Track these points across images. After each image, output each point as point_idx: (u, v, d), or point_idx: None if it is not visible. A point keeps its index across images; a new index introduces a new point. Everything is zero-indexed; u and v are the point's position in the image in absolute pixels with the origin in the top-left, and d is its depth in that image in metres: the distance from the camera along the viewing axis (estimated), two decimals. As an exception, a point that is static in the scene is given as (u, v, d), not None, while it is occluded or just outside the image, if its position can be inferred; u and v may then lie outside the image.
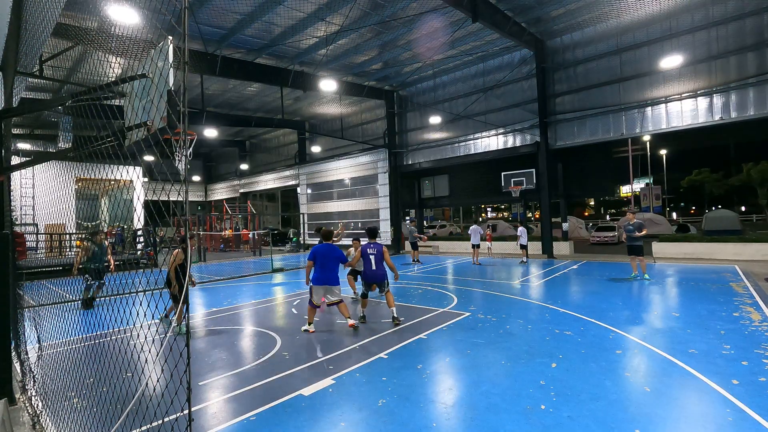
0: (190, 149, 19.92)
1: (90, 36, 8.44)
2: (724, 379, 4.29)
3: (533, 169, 17.98)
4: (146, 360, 2.71)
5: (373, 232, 7.58)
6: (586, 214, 63.33)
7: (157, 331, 6.06)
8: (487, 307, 8.11)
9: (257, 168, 34.95)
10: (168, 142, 2.68)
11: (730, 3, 13.60)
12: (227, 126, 27.55)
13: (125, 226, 17.86)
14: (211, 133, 25.87)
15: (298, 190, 29.38)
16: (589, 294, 9.28)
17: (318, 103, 24.50)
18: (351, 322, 6.67)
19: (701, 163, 49.18)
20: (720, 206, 44.07)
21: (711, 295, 8.49)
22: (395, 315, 7.03)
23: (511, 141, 18.98)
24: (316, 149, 28.72)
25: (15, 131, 21.53)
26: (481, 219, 49.65)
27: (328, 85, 17.57)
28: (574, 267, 14.03)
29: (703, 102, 14.34)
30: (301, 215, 28.31)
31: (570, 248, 18.44)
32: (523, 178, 18.56)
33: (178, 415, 2.47)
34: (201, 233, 23.63)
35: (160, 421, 2.78)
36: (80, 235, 18.50)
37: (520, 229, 16.07)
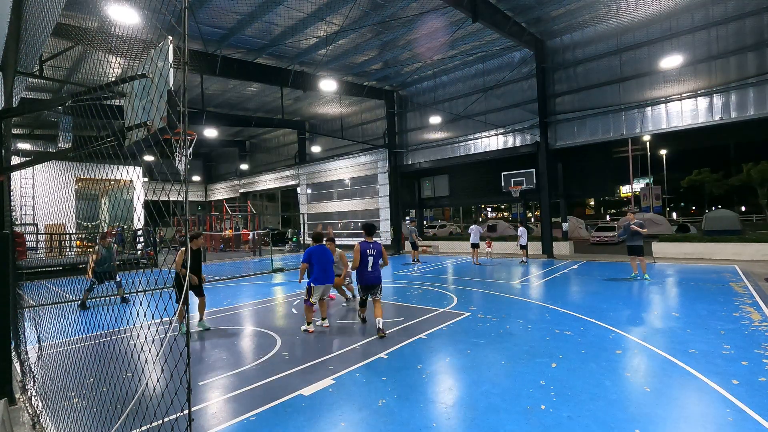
0: (190, 149, 19.94)
1: (90, 36, 8.44)
2: (724, 379, 4.29)
3: (533, 169, 17.98)
4: (146, 360, 2.71)
5: (371, 229, 6.83)
6: (587, 214, 63.31)
7: (157, 331, 6.06)
8: (487, 307, 8.11)
9: (257, 168, 34.95)
10: (168, 142, 2.68)
11: (730, 3, 13.60)
12: (227, 126, 27.55)
13: (125, 226, 17.85)
14: (211, 133, 25.87)
15: (298, 190, 29.39)
16: (589, 294, 9.28)
17: (318, 103, 24.50)
18: (327, 323, 6.95)
19: (701, 163, 49.17)
20: (720, 206, 44.08)
21: (711, 295, 8.49)
22: (381, 326, 6.31)
23: (511, 141, 18.98)
24: (316, 149, 28.72)
25: (15, 131, 21.53)
26: (481, 219, 49.65)
27: (328, 85, 17.57)
28: (574, 267, 14.03)
29: (703, 102, 14.34)
30: (301, 215, 28.31)
31: (570, 248, 18.44)
32: (523, 178, 18.56)
33: (178, 415, 2.48)
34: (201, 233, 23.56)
35: (160, 421, 2.78)
36: (80, 235, 18.53)
37: (521, 229, 16.07)
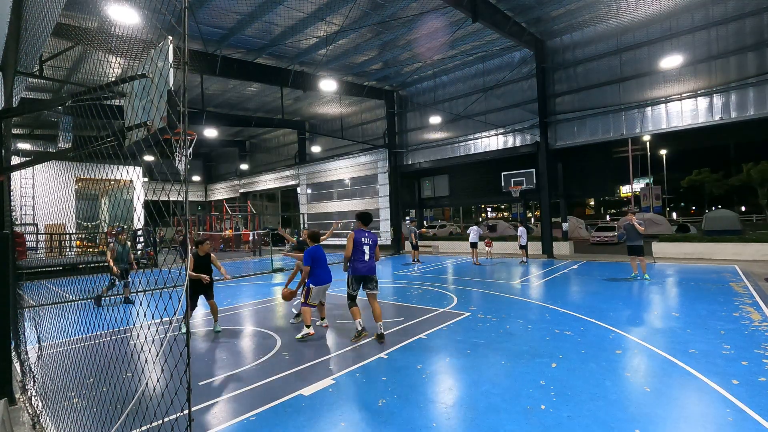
0: (190, 149, 19.94)
1: (90, 36, 8.44)
2: (724, 379, 4.29)
3: (533, 169, 17.98)
4: (146, 360, 2.71)
5: (367, 218, 6.27)
6: (587, 214, 63.29)
7: (157, 331, 6.06)
8: (487, 307, 8.11)
9: (257, 168, 34.95)
10: (168, 142, 2.68)
11: (730, 3, 13.60)
12: (227, 126, 27.55)
13: (125, 226, 17.85)
14: (211, 133, 25.86)
15: (298, 190, 29.39)
16: (589, 294, 9.28)
17: (318, 103, 24.50)
18: (326, 323, 6.85)
19: (701, 163, 49.16)
20: (720, 206, 44.08)
21: (711, 295, 8.49)
22: (382, 331, 5.99)
23: (511, 141, 18.98)
24: (316, 149, 28.72)
25: (15, 131, 21.53)
26: (481, 219, 49.65)
27: (328, 85, 17.57)
28: (574, 267, 14.03)
29: (703, 102, 14.34)
30: (301, 215, 28.31)
31: (570, 248, 18.44)
32: (523, 178, 18.56)
33: (178, 415, 2.48)
34: (201, 233, 23.58)
35: (160, 421, 2.78)
36: (80, 235, 18.52)
37: (521, 229, 16.07)
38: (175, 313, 2.24)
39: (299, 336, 6.30)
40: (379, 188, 23.64)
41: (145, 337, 2.86)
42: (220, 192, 38.39)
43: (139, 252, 18.67)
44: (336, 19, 14.41)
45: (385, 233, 22.88)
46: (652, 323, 6.66)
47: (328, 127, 27.54)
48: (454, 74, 20.68)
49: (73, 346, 6.12)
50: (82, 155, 2.99)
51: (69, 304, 9.17)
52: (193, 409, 2.65)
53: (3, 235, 4.01)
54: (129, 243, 9.86)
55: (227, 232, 28.54)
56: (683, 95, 14.65)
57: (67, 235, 18.09)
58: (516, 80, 18.50)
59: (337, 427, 3.62)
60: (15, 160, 5.11)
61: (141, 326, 6.81)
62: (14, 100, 4.56)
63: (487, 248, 17.82)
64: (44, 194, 14.49)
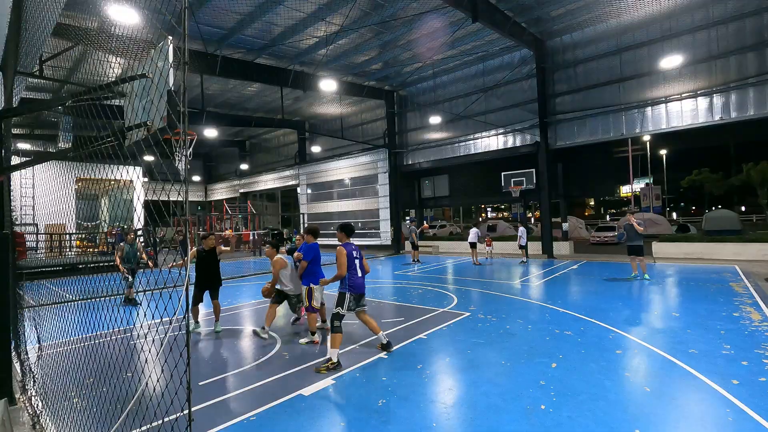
0: (190, 149, 19.94)
1: (90, 36, 8.44)
2: (724, 379, 4.29)
3: (533, 169, 17.98)
4: (146, 360, 2.71)
5: (351, 230, 5.68)
6: (587, 214, 63.29)
7: (157, 331, 6.05)
8: (487, 307, 8.11)
9: (257, 168, 34.94)
10: (168, 142, 2.68)
11: (730, 3, 13.60)
12: (227, 126, 27.54)
13: (125, 226, 17.84)
14: (211, 133, 25.85)
15: (298, 190, 29.37)
16: (589, 294, 9.28)
17: (318, 103, 24.49)
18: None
19: (701, 163, 49.12)
20: (720, 206, 44.04)
21: (711, 295, 8.49)
22: (388, 339, 5.71)
23: (511, 141, 18.98)
24: (316, 149, 28.71)
25: (15, 131, 21.53)
26: (481, 219, 49.66)
27: (328, 85, 17.56)
28: (574, 267, 14.03)
29: (703, 102, 14.34)
30: (301, 215, 28.31)
31: (570, 248, 18.44)
32: (523, 178, 18.55)
33: (178, 415, 2.48)
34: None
35: (160, 421, 2.78)
36: (80, 235, 18.52)
37: (521, 229, 16.07)
38: (175, 313, 2.24)
39: (303, 341, 6.18)
40: (379, 188, 23.63)
41: (145, 337, 2.85)
42: (220, 192, 38.38)
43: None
44: (336, 19, 14.40)
45: (385, 233, 22.88)
46: (652, 323, 6.66)
47: (328, 127, 27.53)
48: (454, 74, 20.67)
49: (73, 346, 6.12)
50: (82, 155, 2.99)
51: (69, 304, 9.19)
52: (193, 409, 2.65)
53: (3, 235, 4.01)
54: (138, 242, 9.79)
55: (227, 232, 28.51)
56: (683, 95, 14.65)
57: (67, 235, 18.10)
58: (516, 80, 18.50)
59: (337, 427, 3.62)
60: (15, 160, 5.11)
61: (141, 326, 6.81)
62: (14, 100, 4.56)
63: (487, 248, 17.82)
64: (44, 194, 14.49)
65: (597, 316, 7.13)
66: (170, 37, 2.06)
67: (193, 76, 16.55)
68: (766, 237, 14.83)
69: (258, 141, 35.36)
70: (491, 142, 19.65)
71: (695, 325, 6.34)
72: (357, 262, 5.47)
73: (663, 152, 43.67)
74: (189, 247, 2.68)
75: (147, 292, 9.44)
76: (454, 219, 56.50)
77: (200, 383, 4.66)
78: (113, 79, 2.62)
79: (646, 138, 29.83)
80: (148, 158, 18.57)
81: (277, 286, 6.61)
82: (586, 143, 16.91)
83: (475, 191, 22.69)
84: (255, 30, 15.05)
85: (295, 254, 6.78)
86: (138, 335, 6.25)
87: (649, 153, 37.34)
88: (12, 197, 4.65)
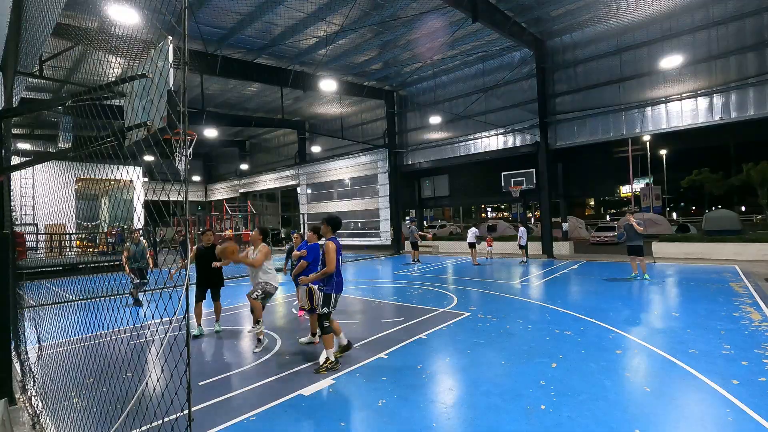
0: (190, 149, 19.94)
1: (90, 36, 8.44)
2: (724, 379, 4.29)
3: (533, 169, 17.98)
4: (146, 360, 2.71)
5: (339, 224, 5.29)
6: (587, 214, 63.30)
7: (157, 331, 6.05)
8: (487, 307, 8.11)
9: (257, 168, 34.93)
10: (168, 142, 2.68)
11: (730, 3, 13.60)
12: (227, 126, 27.53)
13: (125, 226, 17.85)
14: (211, 133, 25.85)
15: (298, 190, 29.36)
16: (589, 294, 9.28)
17: (318, 103, 24.49)
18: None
19: (701, 163, 49.12)
20: (720, 206, 44.05)
21: (711, 295, 8.49)
22: (348, 340, 5.49)
23: (511, 141, 18.98)
24: (316, 149, 28.71)
25: (15, 131, 21.53)
26: (481, 218, 49.66)
27: (328, 85, 17.56)
28: (574, 267, 14.03)
29: (703, 102, 14.34)
30: (301, 215, 28.31)
31: (570, 248, 18.44)
32: (523, 178, 18.56)
33: (178, 415, 2.48)
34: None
35: (160, 421, 2.78)
36: (80, 235, 18.51)
37: (521, 229, 16.07)
38: (175, 313, 2.24)
39: (303, 340, 6.15)
40: (379, 188, 23.62)
41: (146, 337, 2.86)
42: (220, 192, 38.37)
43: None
44: (336, 19, 14.40)
45: (385, 233, 22.88)
46: (652, 323, 6.66)
47: (328, 127, 27.53)
48: (454, 74, 20.67)
49: (73, 346, 6.12)
50: (82, 155, 2.99)
51: (69, 304, 9.19)
52: (193, 409, 2.65)
53: (3, 235, 4.01)
54: (145, 241, 9.71)
55: (227, 232, 28.51)
56: (683, 95, 14.65)
57: (67, 235, 18.09)
58: (516, 80, 18.50)
59: (337, 427, 3.62)
60: (15, 160, 5.11)
61: (141, 326, 6.81)
62: (14, 100, 4.56)
63: (487, 247, 17.82)
64: (44, 194, 14.49)
65: (597, 316, 7.13)
66: (170, 37, 2.06)
67: (193, 76, 16.55)
68: (766, 237, 14.83)
69: (258, 141, 35.36)
70: (491, 142, 19.65)
71: (695, 325, 6.34)
72: (340, 259, 5.24)
73: (663, 152, 43.65)
74: (189, 248, 2.68)
75: (147, 293, 9.46)
76: (455, 219, 56.48)
77: (200, 383, 4.66)
78: (113, 79, 2.62)
79: (646, 138, 29.82)
80: (148, 158, 18.57)
81: (262, 278, 6.01)
82: (586, 143, 16.91)
83: (475, 191, 22.69)
84: (255, 30, 15.05)
85: (295, 253, 6.73)
86: (138, 335, 6.25)
87: (649, 153, 37.33)
88: (12, 197, 4.65)
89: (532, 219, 40.20)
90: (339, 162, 25.97)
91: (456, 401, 4.06)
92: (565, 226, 19.15)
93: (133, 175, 2.59)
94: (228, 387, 4.58)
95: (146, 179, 25.93)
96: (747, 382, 4.18)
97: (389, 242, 22.41)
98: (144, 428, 3.45)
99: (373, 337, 6.25)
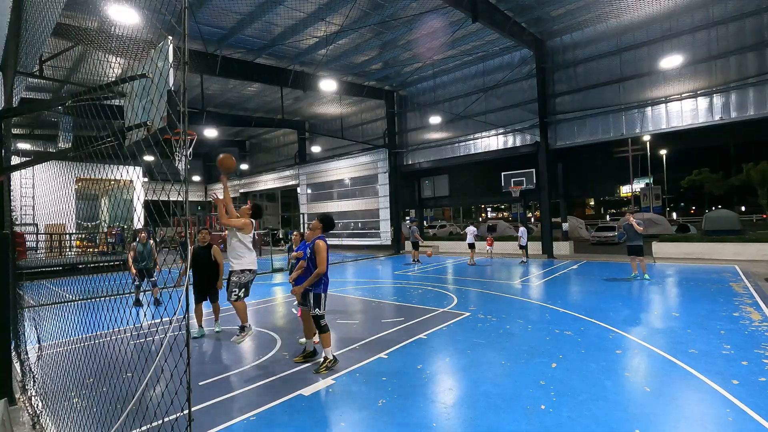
0: (190, 149, 19.91)
1: (90, 36, 8.44)
2: (724, 379, 4.29)
3: (533, 169, 17.98)
4: (146, 360, 2.71)
5: (332, 224, 5.37)
6: (587, 214, 63.31)
7: (157, 330, 6.05)
8: (487, 307, 8.11)
9: (257, 168, 34.95)
10: (168, 142, 2.68)
11: (730, 3, 13.60)
12: (227, 126, 27.53)
13: (125, 226, 17.85)
14: (211, 133, 25.84)
15: (298, 190, 29.36)
16: (589, 294, 9.28)
17: (318, 103, 24.49)
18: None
19: (701, 163, 49.17)
20: (720, 206, 44.06)
21: (711, 295, 8.49)
22: (314, 348, 5.37)
23: (511, 141, 18.98)
24: (316, 149, 28.71)
25: (15, 131, 21.53)
26: (481, 219, 49.66)
27: (328, 85, 17.56)
28: (574, 267, 14.03)
29: (703, 102, 14.34)
30: (301, 215, 28.31)
31: (570, 248, 18.44)
32: (523, 178, 18.56)
33: (178, 415, 2.48)
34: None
35: (160, 421, 2.78)
36: (80, 235, 18.50)
37: (522, 229, 16.07)
38: (175, 313, 2.24)
39: (303, 340, 6.01)
40: (379, 188, 23.61)
41: (146, 337, 2.86)
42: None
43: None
44: (336, 19, 14.40)
45: (385, 233, 22.88)
46: (652, 323, 6.66)
47: (328, 127, 27.53)
48: (454, 74, 20.67)
49: (73, 346, 6.12)
50: (82, 155, 2.99)
51: (69, 304, 9.19)
52: (193, 409, 2.65)
53: (3, 235, 4.01)
54: (152, 242, 9.51)
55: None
56: (683, 95, 14.65)
57: (67, 235, 18.09)
58: (516, 80, 18.50)
59: (337, 427, 3.62)
60: (15, 160, 5.11)
61: (141, 326, 6.81)
62: (14, 100, 4.56)
63: (487, 247, 17.82)
64: (44, 194, 14.49)
65: (597, 316, 7.13)
66: (170, 37, 2.07)
67: (193, 76, 16.55)
68: (766, 237, 14.83)
69: (258, 141, 35.37)
70: (491, 142, 19.64)
71: (695, 325, 6.34)
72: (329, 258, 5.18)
73: (663, 152, 43.66)
74: (189, 248, 2.68)
75: (147, 293, 9.45)
76: (455, 219, 56.49)
77: (200, 383, 4.66)
78: (113, 79, 2.62)
79: (646, 138, 29.77)
80: (148, 158, 18.57)
81: (233, 264, 5.38)
82: (586, 143, 16.91)
83: (475, 191, 22.69)
84: (255, 30, 15.05)
85: (293, 254, 6.63)
86: (138, 335, 6.24)
87: (649, 153, 37.33)
88: (12, 197, 4.65)
89: (532, 219, 40.21)
90: (339, 162, 25.97)
91: (456, 401, 4.06)
92: (565, 226, 19.15)
93: (133, 175, 2.59)
94: (228, 387, 4.58)
95: (146, 179, 25.94)
96: (747, 382, 4.18)
97: (389, 242, 22.40)
98: (144, 428, 3.45)
99: (373, 337, 6.25)
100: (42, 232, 17.90)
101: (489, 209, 67.28)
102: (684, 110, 14.69)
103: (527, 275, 12.51)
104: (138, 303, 9.00)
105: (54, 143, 24.55)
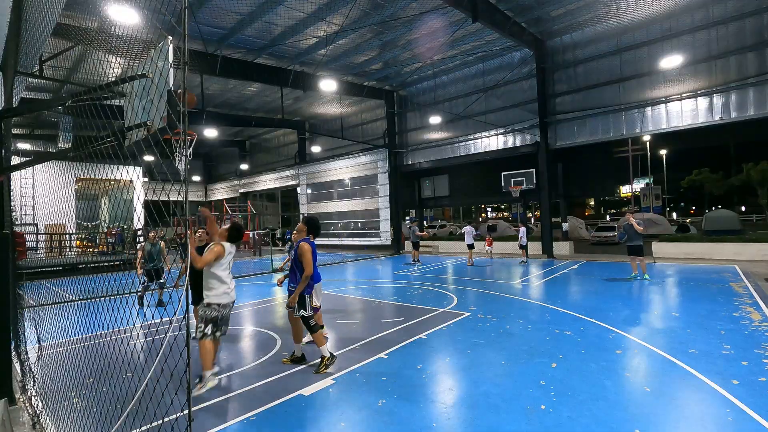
0: (190, 149, 19.91)
1: (90, 36, 8.44)
2: (724, 379, 4.29)
3: (533, 169, 17.98)
4: (146, 360, 2.71)
5: (318, 228, 5.35)
6: (587, 214, 63.31)
7: (157, 330, 6.05)
8: (487, 307, 8.11)
9: (257, 168, 34.94)
10: (168, 142, 2.68)
11: (730, 3, 13.60)
12: (227, 126, 27.54)
13: (125, 226, 17.86)
14: (211, 133, 25.86)
15: (298, 190, 29.37)
16: (589, 294, 9.28)
17: (318, 103, 24.49)
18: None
19: (701, 163, 49.16)
20: (720, 206, 44.06)
21: (711, 295, 8.49)
22: (303, 353, 5.32)
23: (511, 141, 18.98)
24: (316, 149, 28.71)
25: (15, 131, 21.53)
26: (480, 219, 49.66)
27: (328, 85, 17.56)
28: (574, 267, 14.03)
29: (703, 102, 14.34)
30: (301, 215, 28.29)
31: (570, 248, 18.44)
32: (523, 178, 18.56)
33: (178, 415, 2.48)
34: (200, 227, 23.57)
35: (160, 421, 2.78)
36: (80, 235, 18.51)
37: (522, 229, 16.07)
38: (175, 313, 2.24)
39: (303, 340, 6.09)
40: (379, 188, 23.62)
41: (145, 337, 2.86)
42: (220, 192, 38.37)
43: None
44: (336, 19, 14.40)
45: (385, 233, 22.88)
46: (652, 323, 6.66)
47: (328, 127, 27.53)
48: (454, 74, 20.67)
49: (73, 346, 6.12)
50: (82, 155, 2.99)
51: (69, 304, 9.19)
52: (193, 409, 2.65)
53: (3, 235, 4.01)
54: (162, 243, 9.30)
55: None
56: (683, 95, 14.65)
57: (67, 235, 18.10)
58: (516, 80, 18.50)
59: (337, 427, 3.62)
60: (15, 160, 5.11)
61: (141, 326, 6.81)
62: (14, 100, 4.56)
63: (487, 247, 17.81)
64: (44, 194, 14.49)
65: (597, 316, 7.13)
66: (170, 37, 2.07)
67: (193, 76, 16.55)
68: (766, 237, 14.83)
69: (258, 141, 35.36)
70: (491, 142, 19.65)
71: (695, 325, 6.34)
72: (316, 261, 5.14)
73: (663, 152, 43.68)
74: (189, 248, 2.68)
75: (154, 292, 9.45)
76: (455, 219, 56.50)
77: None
78: (113, 79, 2.62)
79: (646, 138, 29.79)
80: (148, 158, 18.56)
81: (206, 295, 4.66)
82: (586, 143, 16.91)
83: (475, 191, 22.69)
84: (255, 30, 15.05)
85: (287, 258, 6.60)
86: (138, 335, 6.24)
87: (649, 153, 37.34)
88: (12, 197, 4.65)
89: (532, 219, 40.22)
90: (339, 162, 25.97)
91: (456, 401, 4.06)
92: (565, 226, 19.15)
93: (133, 175, 2.59)
94: (228, 387, 4.58)
95: (146, 179, 25.95)
96: (747, 382, 4.18)
97: (389, 242, 22.40)
98: (144, 428, 3.45)
99: (373, 337, 6.25)
100: (42, 232, 17.91)
101: (489, 209, 67.28)
102: (684, 110, 14.69)
103: (527, 275, 12.51)
104: (141, 303, 8.97)
105: (54, 143, 24.56)
